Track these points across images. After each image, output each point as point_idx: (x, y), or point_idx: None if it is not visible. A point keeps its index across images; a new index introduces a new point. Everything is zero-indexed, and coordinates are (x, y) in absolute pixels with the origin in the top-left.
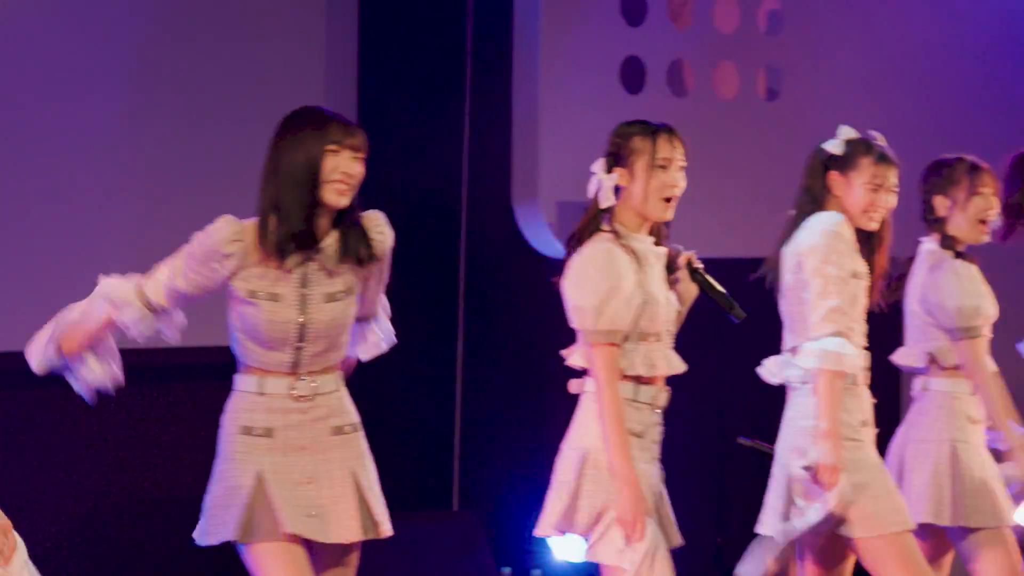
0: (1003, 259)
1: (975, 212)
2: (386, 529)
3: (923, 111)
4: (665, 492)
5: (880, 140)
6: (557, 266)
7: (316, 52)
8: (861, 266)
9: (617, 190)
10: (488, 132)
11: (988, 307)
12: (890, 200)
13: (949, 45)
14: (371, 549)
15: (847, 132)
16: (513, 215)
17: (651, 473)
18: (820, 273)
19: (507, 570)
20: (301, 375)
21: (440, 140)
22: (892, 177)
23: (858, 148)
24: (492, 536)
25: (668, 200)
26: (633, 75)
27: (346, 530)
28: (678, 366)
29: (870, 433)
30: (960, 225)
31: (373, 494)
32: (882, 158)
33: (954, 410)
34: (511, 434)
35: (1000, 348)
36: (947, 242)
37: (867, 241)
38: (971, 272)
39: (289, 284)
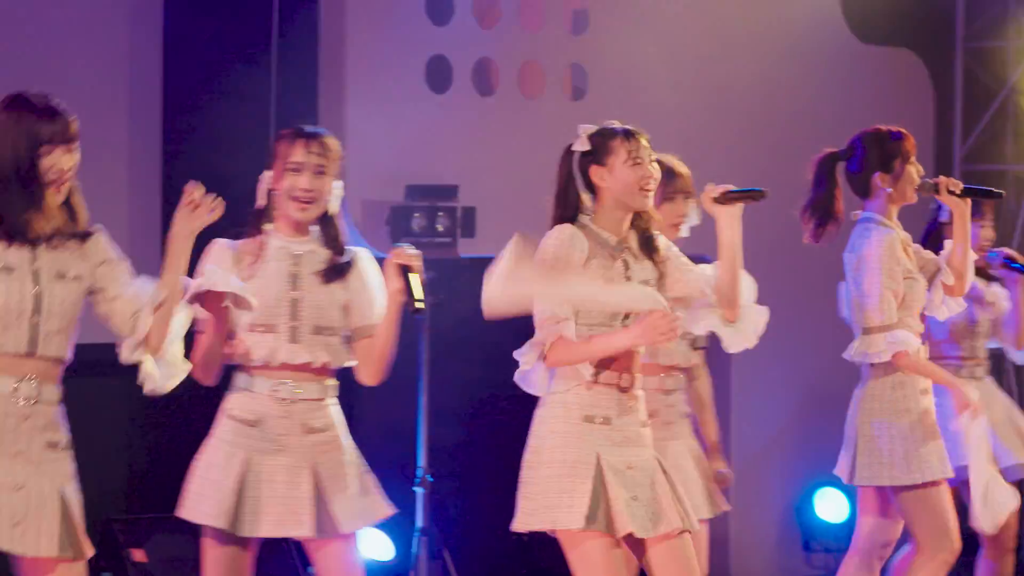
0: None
1: (668, 217)
2: (90, 550)
3: (727, 109)
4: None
5: (617, 124)
6: None
7: (119, 59)
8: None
9: None
10: None
11: None
12: (654, 170)
13: (751, 43)
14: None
15: (586, 128)
16: None
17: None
18: None
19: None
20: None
21: (246, 139)
22: (646, 146)
23: (604, 134)
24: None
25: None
26: (439, 74)
27: (42, 546)
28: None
29: None
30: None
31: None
32: (628, 133)
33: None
34: None
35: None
36: None
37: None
38: None
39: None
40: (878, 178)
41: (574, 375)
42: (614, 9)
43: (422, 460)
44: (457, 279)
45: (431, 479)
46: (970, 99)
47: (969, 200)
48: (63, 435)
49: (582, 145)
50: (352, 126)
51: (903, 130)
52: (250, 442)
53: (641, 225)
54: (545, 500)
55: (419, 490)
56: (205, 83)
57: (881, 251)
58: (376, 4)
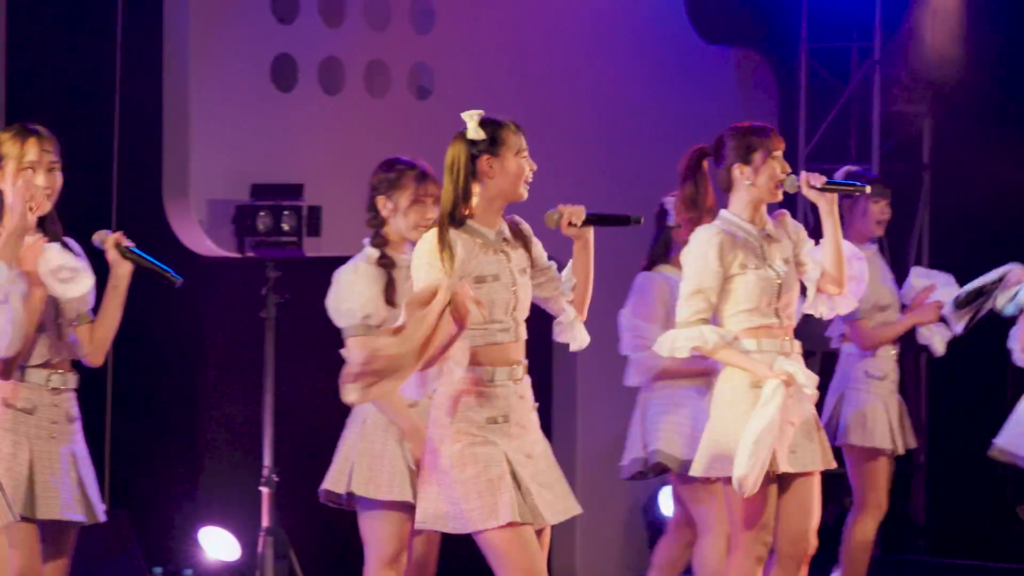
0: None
1: (417, 220)
2: None
3: (571, 107)
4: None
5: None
6: (209, 264)
7: None
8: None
9: None
10: (138, 129)
11: (368, 308)
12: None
13: (597, 42)
14: None
15: (474, 114)
16: (164, 213)
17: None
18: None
19: (158, 570)
20: None
21: (89, 137)
22: (524, 143)
23: (497, 124)
24: (143, 536)
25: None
26: (285, 73)
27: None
28: None
29: None
30: (399, 228)
31: None
32: (517, 127)
33: None
34: (161, 434)
35: None
36: (377, 242)
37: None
38: (372, 272)
39: None
40: (737, 170)
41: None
42: (460, 8)
43: (267, 460)
44: (303, 278)
45: (277, 479)
46: (814, 98)
47: (835, 196)
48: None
49: (476, 133)
50: (197, 125)
51: (769, 126)
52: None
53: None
54: (466, 502)
55: (265, 489)
56: (47, 81)
57: (695, 249)
58: (220, 2)
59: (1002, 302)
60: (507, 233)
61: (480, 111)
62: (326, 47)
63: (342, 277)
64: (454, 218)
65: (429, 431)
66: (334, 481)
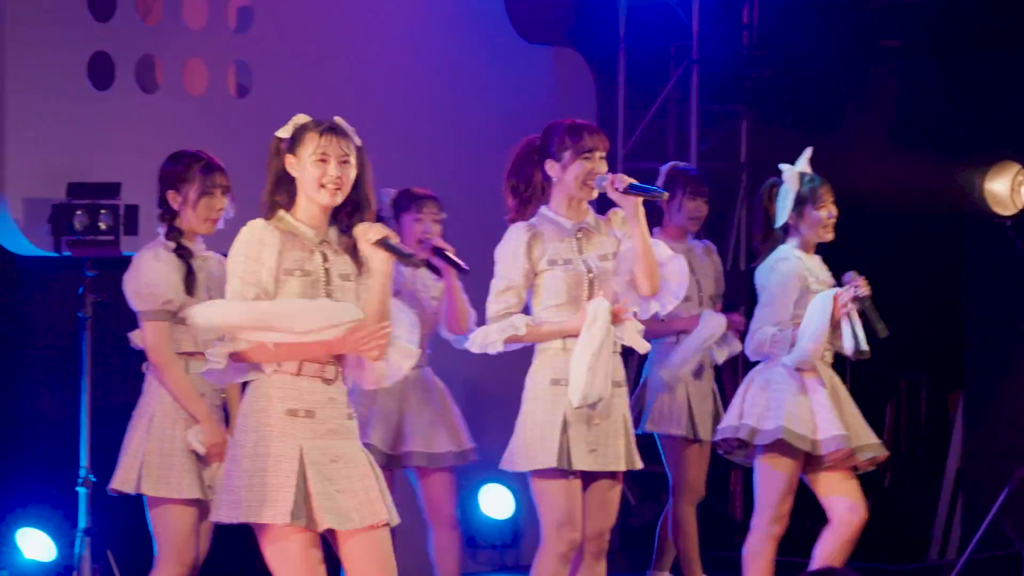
0: None
1: (204, 211)
2: None
3: (392, 106)
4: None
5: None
6: (25, 263)
7: None
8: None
9: None
10: None
11: (170, 293)
12: (342, 171)
13: (418, 42)
14: None
15: (301, 118)
16: None
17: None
18: None
19: None
20: None
21: None
22: (338, 147)
23: (307, 127)
24: None
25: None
26: (101, 71)
27: None
28: None
29: None
30: (190, 221)
31: None
32: (326, 129)
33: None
34: None
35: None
36: (172, 235)
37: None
38: (173, 260)
39: None
40: (548, 166)
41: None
42: (279, 7)
43: (85, 460)
44: (120, 277)
45: (94, 479)
46: (632, 98)
47: (640, 198)
48: None
49: (284, 132)
50: (12, 123)
51: (588, 124)
52: None
53: (343, 220)
54: (248, 493)
55: (82, 490)
56: None
57: (505, 246)
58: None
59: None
60: (331, 237)
61: (305, 116)
62: (143, 45)
63: (143, 263)
64: (267, 211)
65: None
66: (122, 480)
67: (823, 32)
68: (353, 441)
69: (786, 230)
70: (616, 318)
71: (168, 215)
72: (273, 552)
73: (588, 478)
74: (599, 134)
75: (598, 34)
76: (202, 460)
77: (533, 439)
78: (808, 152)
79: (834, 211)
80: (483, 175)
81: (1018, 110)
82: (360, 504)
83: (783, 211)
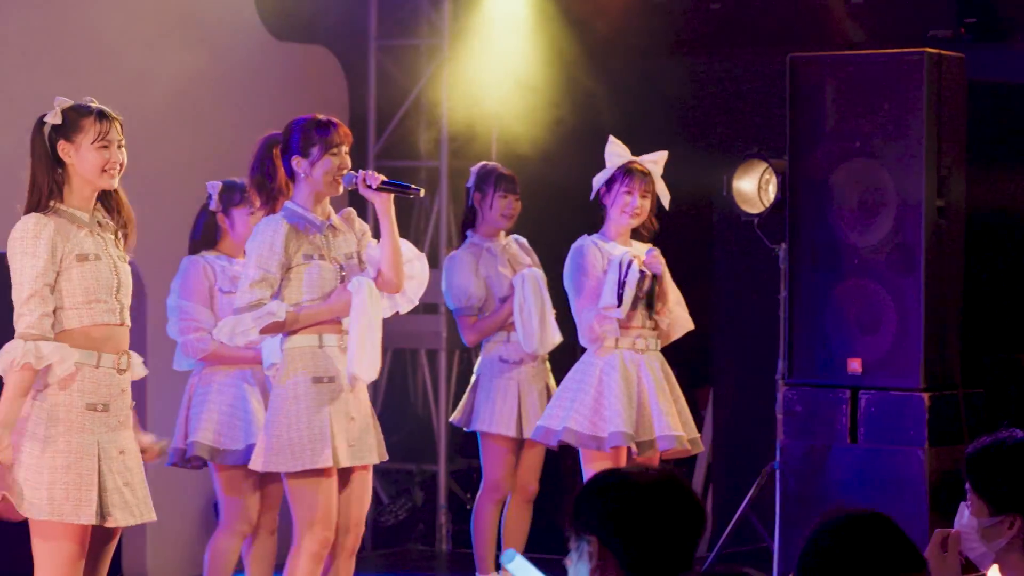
0: None
1: None
2: None
3: (141, 104)
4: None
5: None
6: None
7: None
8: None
9: None
10: None
11: None
12: (121, 155)
13: (166, 37)
14: None
15: (63, 101)
16: None
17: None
18: None
19: None
20: None
21: None
22: (116, 132)
23: (79, 112)
24: None
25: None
26: None
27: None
28: None
29: None
30: None
31: None
32: (101, 115)
33: None
34: None
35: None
36: None
37: (107, 201)
38: None
39: None
40: (295, 162)
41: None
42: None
43: None
44: None
45: None
46: (384, 96)
47: (391, 195)
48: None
49: (55, 118)
50: None
51: (336, 121)
52: None
53: (110, 201)
54: (51, 491)
55: None
56: None
57: (260, 237)
58: None
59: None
60: (100, 218)
61: (69, 100)
62: None
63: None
64: (39, 203)
65: (28, 413)
66: None
67: (578, 28)
68: (132, 430)
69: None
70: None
71: None
72: (47, 550)
73: (343, 474)
74: (345, 129)
75: (350, 32)
76: None
77: (292, 438)
78: (662, 155)
79: (641, 202)
80: (234, 171)
81: (763, 109)
82: (137, 501)
83: (593, 187)
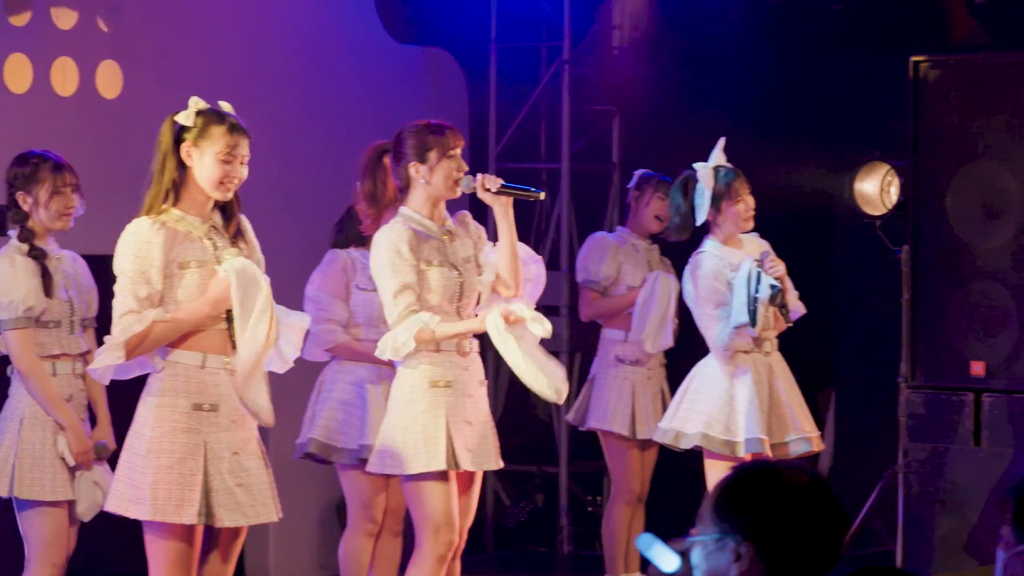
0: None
1: (59, 207)
2: None
3: (264, 106)
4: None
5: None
6: None
7: None
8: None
9: None
10: None
11: (30, 299)
12: (243, 171)
13: (288, 40)
14: None
15: (198, 102)
16: None
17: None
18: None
19: None
20: None
21: None
22: (243, 148)
23: (212, 118)
24: None
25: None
26: None
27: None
28: None
29: None
30: (42, 220)
31: None
32: (233, 128)
33: None
34: None
35: None
36: (24, 235)
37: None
38: (29, 265)
39: None
40: (412, 168)
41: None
42: (149, 7)
43: None
44: None
45: None
46: (504, 99)
47: (511, 199)
48: None
49: (186, 119)
50: None
51: (446, 124)
52: None
53: (229, 207)
54: (154, 492)
55: None
56: None
57: (382, 249)
58: None
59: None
60: (218, 222)
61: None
62: (11, 45)
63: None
64: (154, 203)
65: (137, 411)
66: None
67: (695, 31)
68: (252, 432)
69: (706, 225)
70: (507, 322)
71: (19, 217)
72: (157, 550)
73: (464, 479)
74: (458, 132)
75: (469, 34)
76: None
77: (406, 441)
78: (721, 142)
79: (751, 202)
80: (354, 176)
81: (886, 111)
82: (253, 501)
83: (701, 209)
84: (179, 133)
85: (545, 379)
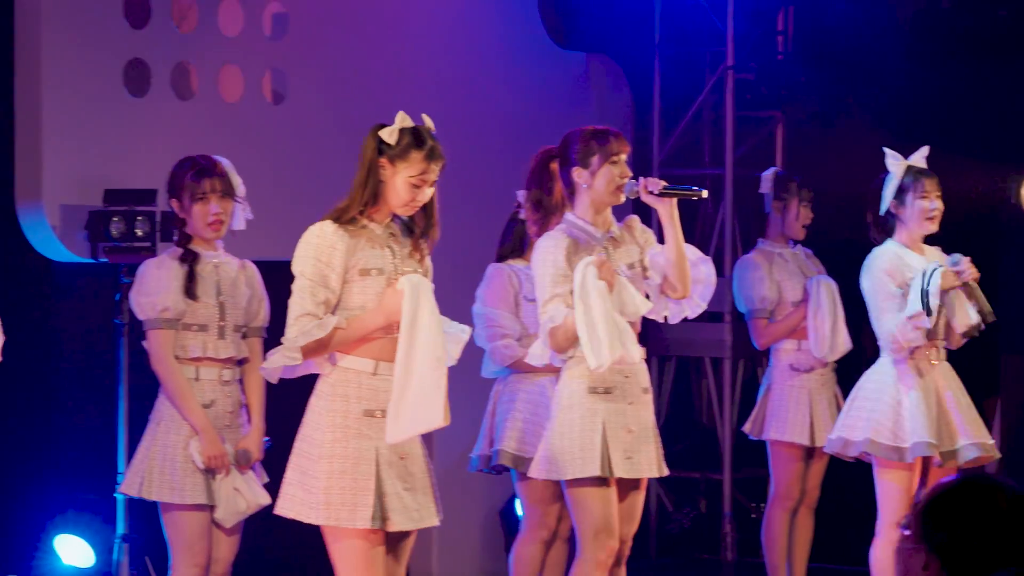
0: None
1: (202, 215)
2: None
3: (426, 112)
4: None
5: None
6: (62, 270)
7: None
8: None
9: None
10: None
11: (167, 301)
12: (428, 194)
13: (452, 46)
14: None
15: (404, 119)
16: (16, 218)
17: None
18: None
19: None
20: None
21: None
22: (434, 174)
23: (413, 142)
24: None
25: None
26: (137, 78)
27: None
28: None
29: None
30: (193, 226)
31: None
32: (431, 155)
33: None
34: (16, 440)
35: None
36: (180, 240)
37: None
38: (174, 267)
39: None
40: (575, 173)
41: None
42: (314, 14)
43: (122, 466)
44: None
45: None
46: (668, 104)
47: (675, 201)
48: None
49: (391, 137)
50: (49, 130)
51: (611, 129)
52: None
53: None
54: (327, 496)
55: (120, 496)
56: None
57: (543, 256)
58: (72, 6)
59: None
60: (396, 230)
61: (407, 118)
62: (179, 52)
63: (146, 271)
64: (350, 209)
65: (306, 415)
66: (128, 484)
67: (859, 36)
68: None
69: (891, 226)
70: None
71: (178, 221)
72: (339, 551)
73: (624, 486)
74: (622, 137)
75: (632, 40)
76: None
77: (567, 448)
78: (924, 150)
79: (938, 204)
80: (517, 182)
81: None
82: (418, 505)
83: (885, 200)
84: (379, 145)
85: (598, 346)
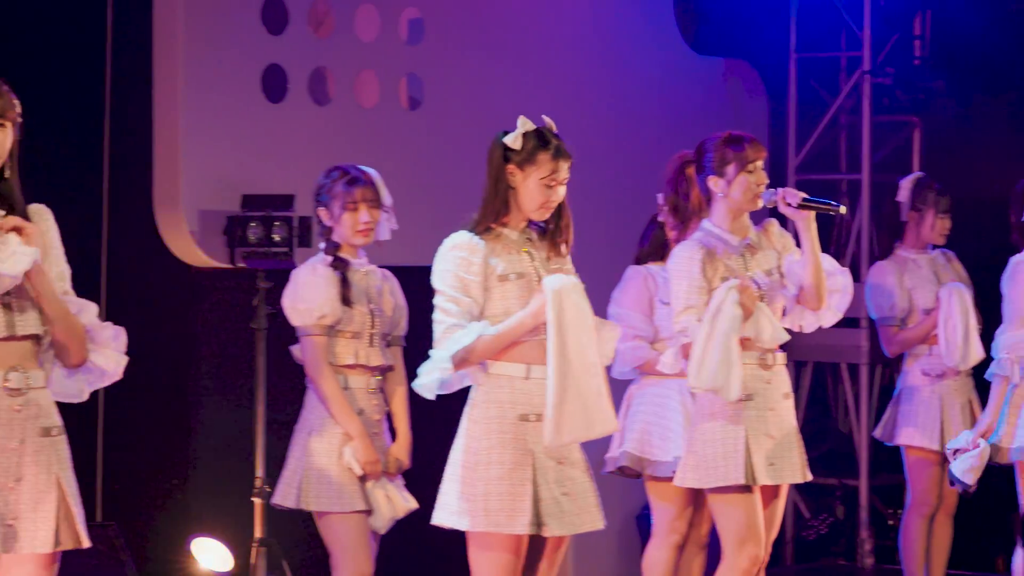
0: None
1: (350, 224)
2: (86, 540)
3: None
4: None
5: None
6: (199, 275)
7: None
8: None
9: None
10: (129, 139)
11: (325, 308)
12: (562, 193)
13: (587, 50)
14: None
15: (526, 124)
16: (155, 223)
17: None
18: None
19: None
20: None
21: (79, 147)
22: (565, 172)
23: (538, 144)
24: (135, 547)
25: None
26: (275, 83)
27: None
28: None
29: None
30: (342, 234)
31: (76, 502)
32: (558, 154)
33: None
34: (154, 444)
35: None
36: (329, 248)
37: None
38: (328, 274)
39: None
40: (711, 182)
41: (506, 372)
42: (449, 20)
43: (260, 470)
44: None
45: (268, 490)
46: (804, 109)
47: (812, 213)
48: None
49: (515, 143)
50: (187, 136)
51: (747, 136)
52: None
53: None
54: (486, 503)
55: (257, 500)
56: (36, 93)
57: (678, 267)
58: (210, 13)
59: None
60: (532, 234)
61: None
62: (316, 57)
63: (300, 278)
64: (483, 220)
65: (461, 424)
66: (283, 495)
67: (997, 41)
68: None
69: None
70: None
71: (325, 229)
72: (483, 559)
73: (767, 492)
74: (758, 143)
75: (769, 45)
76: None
77: (709, 455)
78: None
79: None
80: (655, 188)
81: None
82: (579, 509)
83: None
84: (505, 153)
85: (720, 374)
